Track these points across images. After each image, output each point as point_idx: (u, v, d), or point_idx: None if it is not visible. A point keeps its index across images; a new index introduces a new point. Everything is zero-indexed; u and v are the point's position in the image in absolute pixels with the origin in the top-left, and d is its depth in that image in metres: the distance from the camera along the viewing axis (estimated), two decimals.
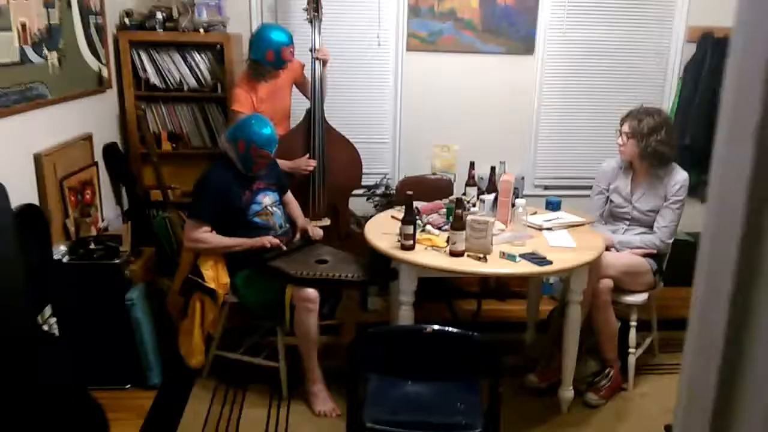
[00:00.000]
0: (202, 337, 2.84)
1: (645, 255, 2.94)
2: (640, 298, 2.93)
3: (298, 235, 3.07)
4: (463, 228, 2.47)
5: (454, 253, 2.49)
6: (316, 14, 3.30)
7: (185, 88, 3.56)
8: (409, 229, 2.53)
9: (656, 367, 3.20)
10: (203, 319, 2.84)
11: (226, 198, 2.78)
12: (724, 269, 0.59)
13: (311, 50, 3.31)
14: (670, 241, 2.97)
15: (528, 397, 2.88)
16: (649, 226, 3.00)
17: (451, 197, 3.02)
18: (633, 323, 2.96)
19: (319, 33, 3.32)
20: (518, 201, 2.74)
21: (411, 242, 2.54)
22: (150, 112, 3.61)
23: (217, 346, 2.94)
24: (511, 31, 3.83)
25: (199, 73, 3.56)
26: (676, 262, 3.09)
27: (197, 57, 3.54)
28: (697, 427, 0.62)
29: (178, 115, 3.65)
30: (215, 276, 2.79)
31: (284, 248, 2.81)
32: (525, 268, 2.44)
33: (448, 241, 2.58)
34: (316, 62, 3.30)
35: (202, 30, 3.46)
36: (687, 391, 0.65)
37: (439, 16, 3.79)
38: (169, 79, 3.55)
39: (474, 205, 2.94)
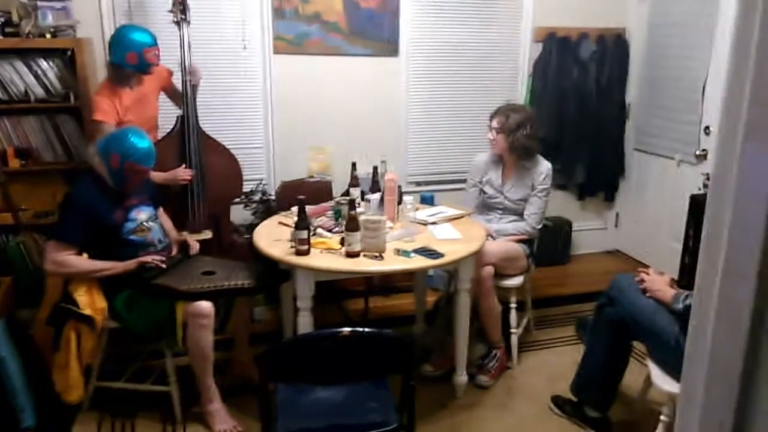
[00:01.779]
0: (80, 370, 2.60)
1: (519, 241, 3.16)
2: (518, 281, 3.14)
3: (174, 250, 2.92)
4: (357, 228, 2.49)
5: (350, 254, 2.50)
6: (183, 17, 3.14)
7: (32, 98, 3.23)
8: (303, 234, 2.51)
9: (533, 343, 3.44)
10: (80, 349, 2.60)
11: (95, 217, 2.57)
12: None
13: (183, 70, 3.15)
14: (540, 226, 3.21)
15: (425, 386, 2.97)
16: (520, 214, 3.22)
17: (337, 199, 3.03)
18: (513, 305, 3.16)
19: (188, 35, 3.16)
20: (406, 198, 2.82)
21: (306, 247, 2.52)
22: None
23: (97, 376, 2.71)
24: (376, 33, 3.92)
25: (47, 82, 3.25)
26: (541, 244, 3.35)
27: (44, 64, 3.23)
28: None
29: (26, 128, 3.30)
30: (90, 301, 2.57)
31: (164, 266, 2.65)
32: (420, 262, 2.52)
33: (342, 243, 2.59)
34: (188, 78, 3.15)
35: (48, 35, 3.16)
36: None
37: (304, 19, 3.77)
38: (12, 90, 3.20)
39: (359, 205, 2.98)
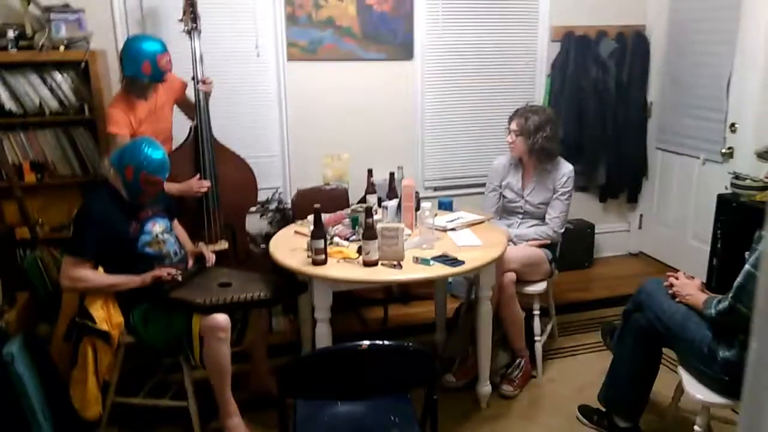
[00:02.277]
0: (97, 386, 2.57)
1: (541, 245, 3.08)
2: (541, 287, 3.06)
3: (190, 261, 2.88)
4: (375, 237, 2.43)
5: (368, 263, 2.45)
6: (194, 25, 3.12)
7: (47, 112, 3.22)
8: (320, 244, 2.45)
9: (558, 351, 3.35)
10: (97, 365, 2.57)
11: (111, 230, 2.54)
12: None
13: (194, 79, 3.13)
14: (562, 230, 3.13)
15: (447, 397, 2.90)
16: (541, 218, 3.14)
17: (354, 206, 2.97)
18: (536, 312, 3.08)
19: (200, 44, 3.14)
20: (424, 204, 2.75)
21: (323, 257, 2.47)
22: (7, 141, 3.23)
23: (114, 392, 2.67)
24: (390, 37, 3.87)
25: (61, 95, 3.24)
26: (563, 248, 3.27)
27: (59, 77, 3.22)
28: None
29: (41, 142, 3.30)
30: (107, 316, 2.54)
31: (179, 278, 2.61)
32: (440, 270, 2.45)
33: (359, 252, 2.54)
34: (200, 88, 3.13)
35: (62, 47, 3.15)
36: None
37: (318, 25, 3.74)
38: (27, 103, 3.19)
39: (376, 212, 2.92)
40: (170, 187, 2.93)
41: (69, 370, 2.60)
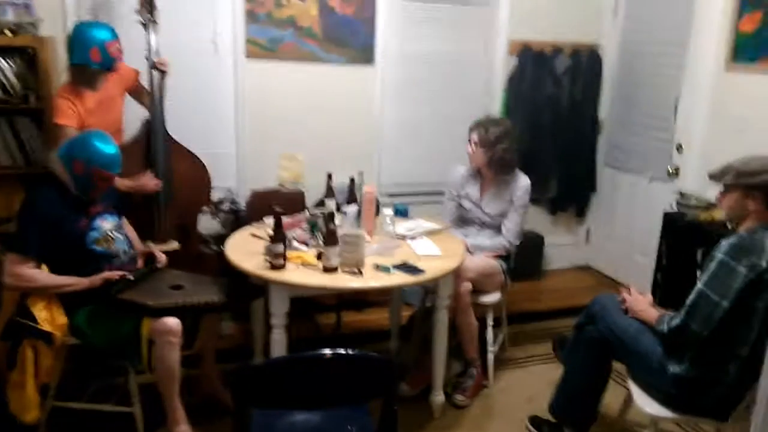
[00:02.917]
0: (36, 389, 2.44)
1: (496, 256, 3.11)
2: (495, 297, 3.09)
3: (140, 262, 2.77)
4: (336, 243, 2.40)
5: (328, 269, 2.41)
6: (150, 17, 3.01)
7: None
8: (279, 248, 2.40)
9: (508, 361, 3.40)
10: (37, 367, 2.44)
11: (58, 227, 2.41)
12: None
13: (147, 58, 3.02)
14: (518, 242, 3.17)
15: (401, 406, 2.86)
16: (497, 229, 3.17)
17: (312, 210, 2.93)
18: (489, 322, 3.11)
19: (156, 37, 3.03)
20: (386, 211, 2.73)
21: (282, 261, 2.42)
22: None
23: (54, 396, 2.54)
24: (352, 40, 3.84)
25: (6, 82, 3.06)
26: (515, 258, 3.32)
27: (3, 63, 3.04)
28: None
29: None
30: (50, 317, 2.41)
31: (131, 278, 2.51)
32: (400, 279, 2.44)
33: (319, 257, 2.50)
34: (154, 71, 3.02)
35: (8, 32, 2.99)
36: None
37: (278, 23, 3.67)
38: None
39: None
40: (120, 182, 2.81)
41: (6, 372, 2.46)
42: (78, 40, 2.84)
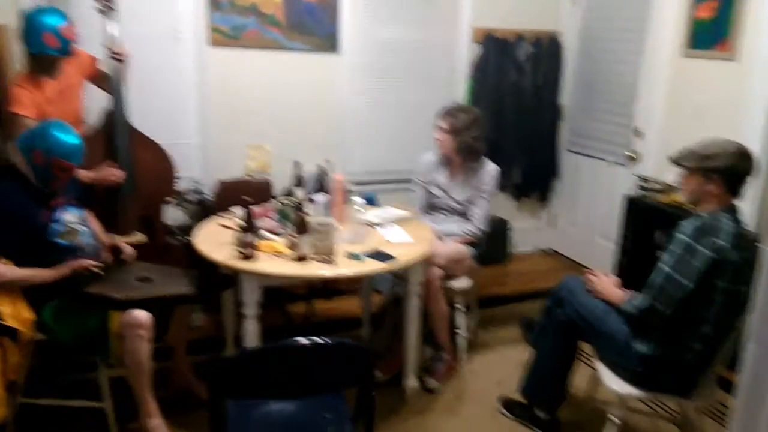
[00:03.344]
0: (3, 386, 2.37)
1: (465, 242, 3.15)
2: (464, 282, 3.13)
3: (105, 254, 2.72)
4: (307, 231, 2.39)
5: (299, 258, 2.41)
6: (107, 3, 2.93)
7: None
8: (250, 238, 2.39)
9: (479, 344, 3.45)
10: (3, 364, 2.37)
11: (19, 219, 2.35)
12: None
13: (105, 46, 2.94)
14: (485, 227, 3.21)
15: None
16: (465, 215, 3.21)
17: (281, 199, 2.91)
18: (459, 306, 3.15)
19: (114, 24, 2.96)
20: (356, 199, 2.74)
21: (252, 251, 2.40)
22: None
23: (22, 393, 2.48)
24: (316, 28, 3.81)
25: None
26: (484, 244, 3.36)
27: None
28: None
29: None
30: (15, 312, 2.34)
31: (100, 271, 2.46)
32: (372, 266, 2.45)
33: (289, 246, 2.49)
34: (113, 61, 2.94)
35: None
36: None
37: (241, 10, 3.62)
38: None
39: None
40: (81, 174, 2.75)
41: None
42: (30, 28, 2.75)
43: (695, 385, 2.23)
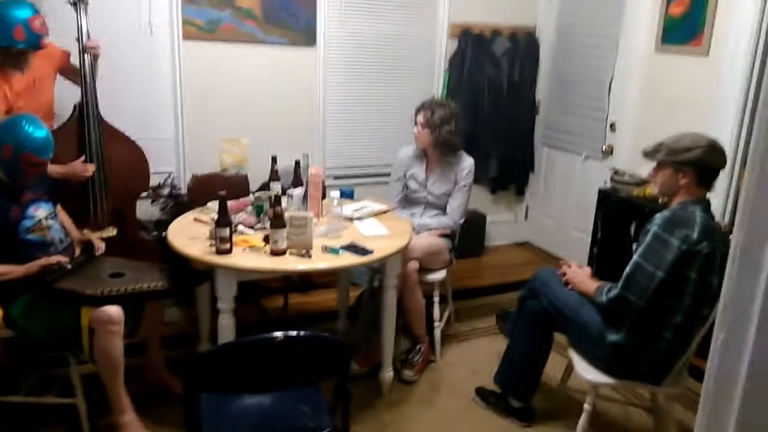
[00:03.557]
0: None
1: (441, 235, 3.16)
2: (441, 275, 3.15)
3: (77, 250, 2.68)
4: (283, 225, 2.38)
5: (276, 252, 2.40)
6: None
7: None
8: (225, 232, 2.37)
9: (454, 336, 3.47)
10: None
11: None
12: None
13: (78, 40, 2.89)
14: (462, 221, 3.23)
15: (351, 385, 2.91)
16: (443, 209, 3.23)
17: (257, 193, 2.89)
18: (436, 299, 3.17)
19: (86, 17, 2.91)
20: (333, 193, 2.73)
21: (228, 245, 2.38)
22: None
23: None
24: (292, 21, 3.79)
25: None
26: (460, 237, 3.39)
27: None
28: None
29: None
30: None
31: (69, 266, 2.42)
32: (349, 260, 2.45)
33: (265, 240, 2.48)
34: (86, 55, 2.90)
35: None
36: None
37: (216, 4, 3.58)
38: None
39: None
40: (52, 169, 2.69)
41: None
42: None
43: (666, 373, 2.28)
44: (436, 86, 4.33)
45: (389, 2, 4.05)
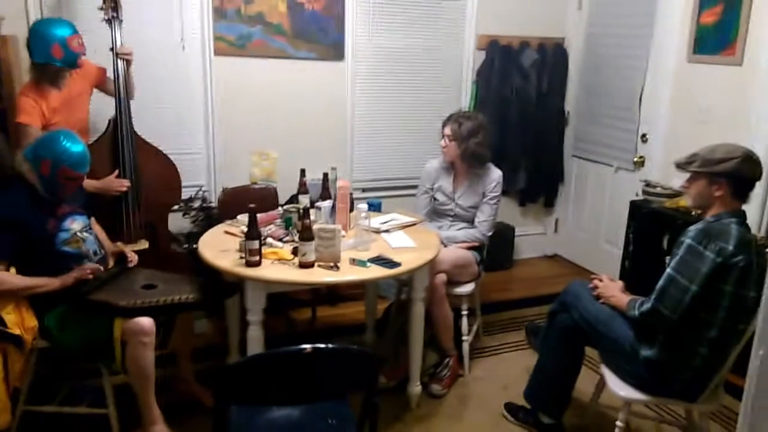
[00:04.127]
0: (6, 393, 2.38)
1: (469, 248, 3.15)
2: (469, 288, 3.12)
3: (111, 262, 2.73)
4: (312, 238, 2.40)
5: (304, 265, 2.41)
6: (115, 14, 2.96)
7: None
8: (255, 245, 2.39)
9: (483, 350, 3.44)
10: (6, 371, 2.38)
11: (25, 228, 2.36)
12: None
13: (112, 50, 2.97)
14: (490, 233, 3.21)
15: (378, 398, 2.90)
16: (470, 221, 3.21)
17: (286, 206, 2.92)
18: (464, 312, 3.14)
19: (120, 34, 2.99)
20: (360, 206, 2.74)
21: (257, 258, 2.41)
22: None
23: (25, 400, 2.49)
24: (321, 36, 3.83)
25: None
26: (489, 250, 3.36)
27: None
28: None
29: None
30: (19, 320, 2.36)
31: (101, 270, 2.47)
32: (377, 272, 2.45)
33: (294, 253, 2.49)
34: (119, 61, 2.97)
35: None
36: None
37: (246, 20, 3.64)
38: None
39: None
40: (88, 183, 2.76)
41: None
42: (38, 38, 2.78)
43: (702, 390, 2.22)
44: (464, 98, 4.33)
45: (416, 16, 4.07)
